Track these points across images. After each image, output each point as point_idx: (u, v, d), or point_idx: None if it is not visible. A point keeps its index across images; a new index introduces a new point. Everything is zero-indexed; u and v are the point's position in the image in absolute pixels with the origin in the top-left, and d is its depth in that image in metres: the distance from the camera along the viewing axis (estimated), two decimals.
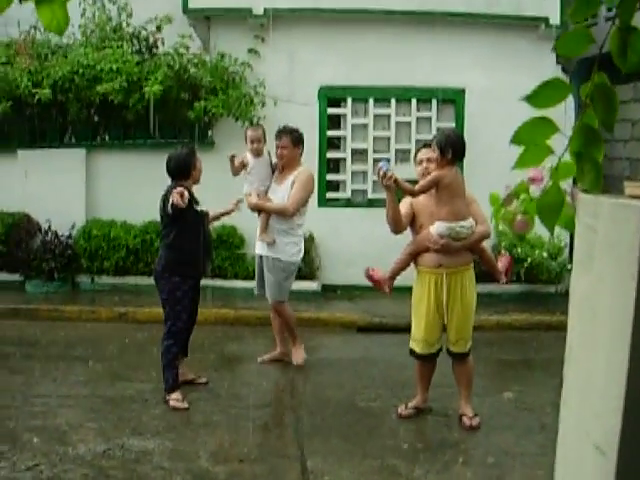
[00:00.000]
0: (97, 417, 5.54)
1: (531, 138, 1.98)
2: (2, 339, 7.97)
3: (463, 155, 5.34)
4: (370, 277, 5.78)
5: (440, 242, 5.25)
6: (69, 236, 10.59)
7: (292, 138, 6.84)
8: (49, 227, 10.58)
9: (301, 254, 7.08)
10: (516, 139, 1.99)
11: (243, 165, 6.83)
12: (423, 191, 5.23)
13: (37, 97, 10.39)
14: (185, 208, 5.70)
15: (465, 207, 5.33)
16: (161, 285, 6.04)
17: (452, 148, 5.20)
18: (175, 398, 5.86)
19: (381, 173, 5.09)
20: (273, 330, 7.15)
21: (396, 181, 5.11)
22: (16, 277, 10.54)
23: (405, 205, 5.54)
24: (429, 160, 5.41)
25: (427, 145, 5.52)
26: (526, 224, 2.18)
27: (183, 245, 5.97)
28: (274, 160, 7.02)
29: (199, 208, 6.10)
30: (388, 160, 5.35)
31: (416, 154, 5.61)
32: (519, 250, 9.72)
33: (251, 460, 4.79)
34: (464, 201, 5.33)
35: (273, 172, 6.95)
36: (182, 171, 6.06)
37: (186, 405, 5.83)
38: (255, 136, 6.85)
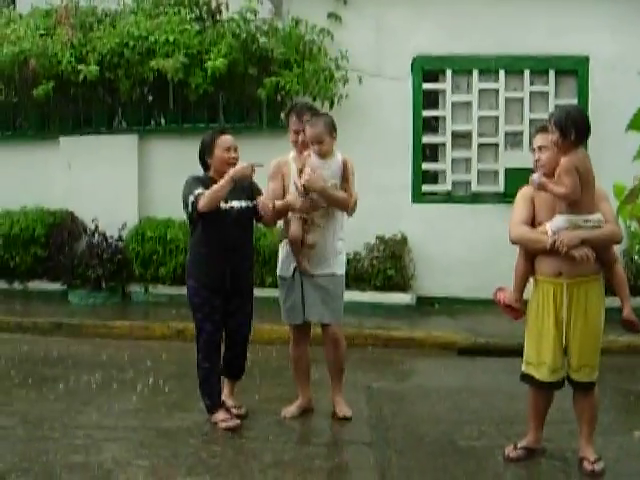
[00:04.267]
0: (148, 453, 5.64)
1: None
2: (41, 359, 8.24)
3: (588, 135, 5.25)
4: (498, 302, 5.68)
5: (550, 241, 5.16)
6: (119, 238, 10.84)
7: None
8: (96, 228, 10.85)
9: None
10: (635, 124, 1.92)
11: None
12: (576, 191, 5.12)
13: (81, 75, 10.65)
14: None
15: (593, 200, 5.24)
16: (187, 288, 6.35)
17: (575, 127, 5.12)
18: (222, 419, 6.08)
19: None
20: (296, 371, 6.61)
21: (545, 187, 5.17)
22: (58, 286, 10.87)
23: (526, 201, 5.44)
24: (540, 149, 5.34)
25: (544, 129, 5.44)
26: None
27: (200, 248, 6.12)
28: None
29: (230, 205, 6.07)
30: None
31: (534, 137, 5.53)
32: None
33: None
34: (592, 193, 5.23)
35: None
36: (201, 160, 6.29)
37: (237, 422, 6.08)
38: (315, 134, 6.03)
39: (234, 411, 6.37)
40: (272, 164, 6.37)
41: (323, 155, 6.04)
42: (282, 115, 10.83)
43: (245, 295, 6.34)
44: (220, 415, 6.10)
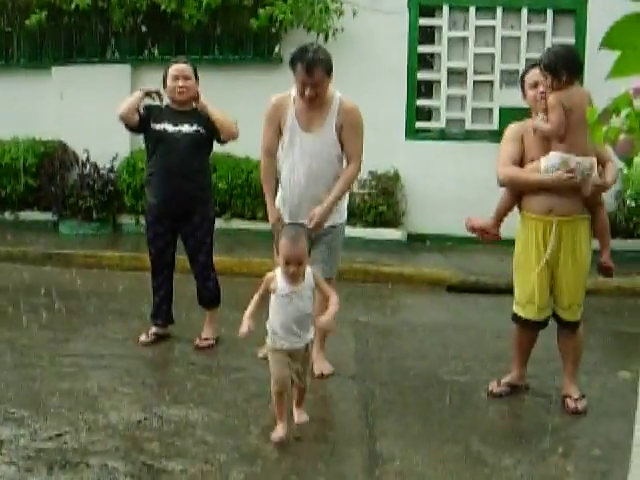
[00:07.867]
0: (133, 381, 5.69)
1: (629, 40, 1.84)
2: (31, 288, 8.24)
3: (581, 71, 5.23)
4: (471, 228, 5.72)
5: (554, 176, 5.14)
6: (111, 169, 10.82)
7: (326, 67, 5.44)
8: (87, 158, 10.83)
9: None
10: (608, 41, 1.84)
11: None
12: (560, 127, 5.10)
13: (74, 4, 10.52)
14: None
15: (586, 141, 5.20)
16: None
17: (566, 67, 5.09)
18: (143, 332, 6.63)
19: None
20: None
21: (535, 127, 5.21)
22: (49, 216, 10.86)
23: (514, 140, 5.42)
24: (536, 85, 5.31)
25: (537, 65, 5.39)
26: (630, 145, 2.09)
27: (147, 170, 6.55)
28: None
29: (163, 126, 6.25)
30: None
31: (524, 75, 5.49)
32: None
33: (310, 439, 4.86)
34: (585, 132, 5.19)
35: None
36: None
37: (144, 340, 6.53)
38: (295, 255, 4.69)
39: (197, 342, 6.50)
40: (271, 102, 5.75)
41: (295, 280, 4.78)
42: (277, 49, 10.74)
43: (195, 222, 6.41)
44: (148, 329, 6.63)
